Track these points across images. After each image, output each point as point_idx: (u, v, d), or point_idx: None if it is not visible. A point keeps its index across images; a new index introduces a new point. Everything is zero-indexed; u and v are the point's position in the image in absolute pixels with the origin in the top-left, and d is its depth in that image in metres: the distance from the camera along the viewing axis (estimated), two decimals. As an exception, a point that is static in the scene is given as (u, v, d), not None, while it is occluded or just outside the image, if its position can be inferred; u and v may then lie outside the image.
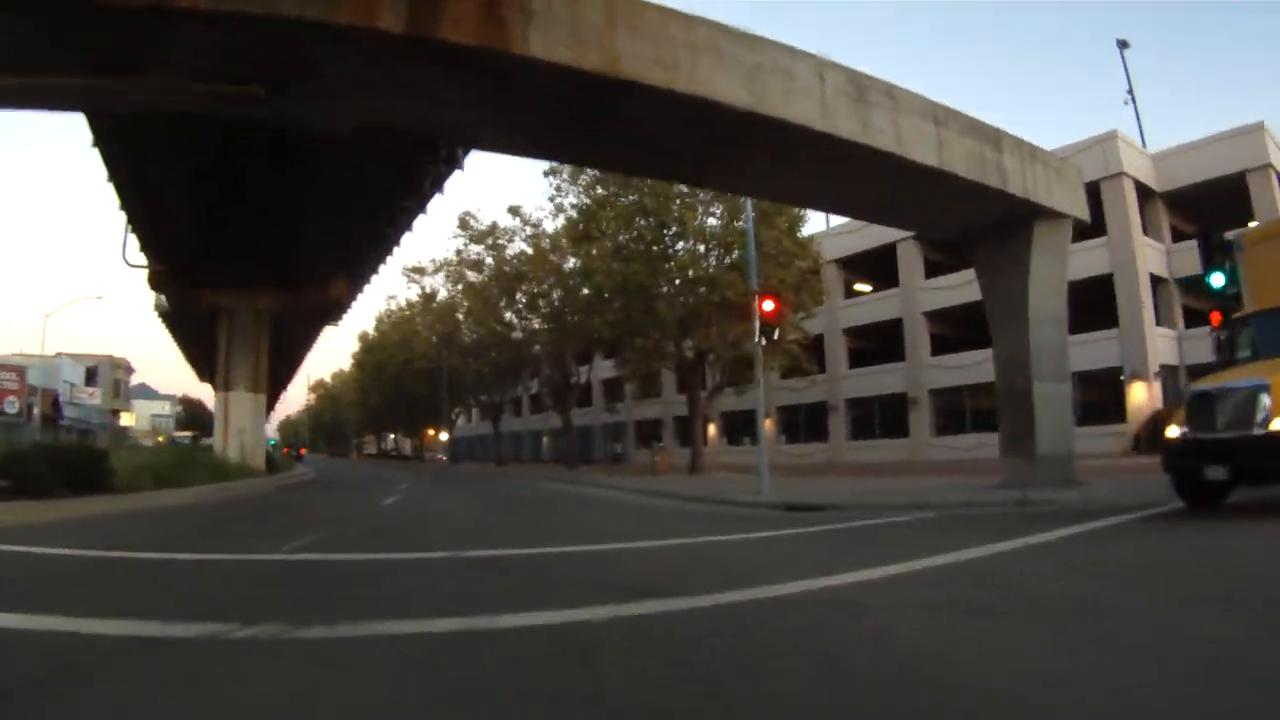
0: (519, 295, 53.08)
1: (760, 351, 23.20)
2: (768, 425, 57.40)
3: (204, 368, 59.83)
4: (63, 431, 71.70)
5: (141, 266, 35.09)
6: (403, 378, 76.00)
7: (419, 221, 27.89)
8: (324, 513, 19.66)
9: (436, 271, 60.98)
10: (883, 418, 51.54)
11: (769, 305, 21.78)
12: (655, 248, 36.45)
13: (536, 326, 53.95)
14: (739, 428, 60.06)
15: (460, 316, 63.66)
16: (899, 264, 49.74)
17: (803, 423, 56.23)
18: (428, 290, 64.10)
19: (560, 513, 18.87)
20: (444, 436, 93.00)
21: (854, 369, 52.46)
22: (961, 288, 46.11)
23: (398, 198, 25.14)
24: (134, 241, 32.91)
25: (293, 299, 36.90)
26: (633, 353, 40.41)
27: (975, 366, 45.04)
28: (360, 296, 51.08)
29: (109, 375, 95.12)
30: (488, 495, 27.15)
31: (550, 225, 49.34)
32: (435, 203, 28.96)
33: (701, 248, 36.70)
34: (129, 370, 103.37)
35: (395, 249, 34.00)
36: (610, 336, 41.05)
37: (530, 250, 50.49)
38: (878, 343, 51.96)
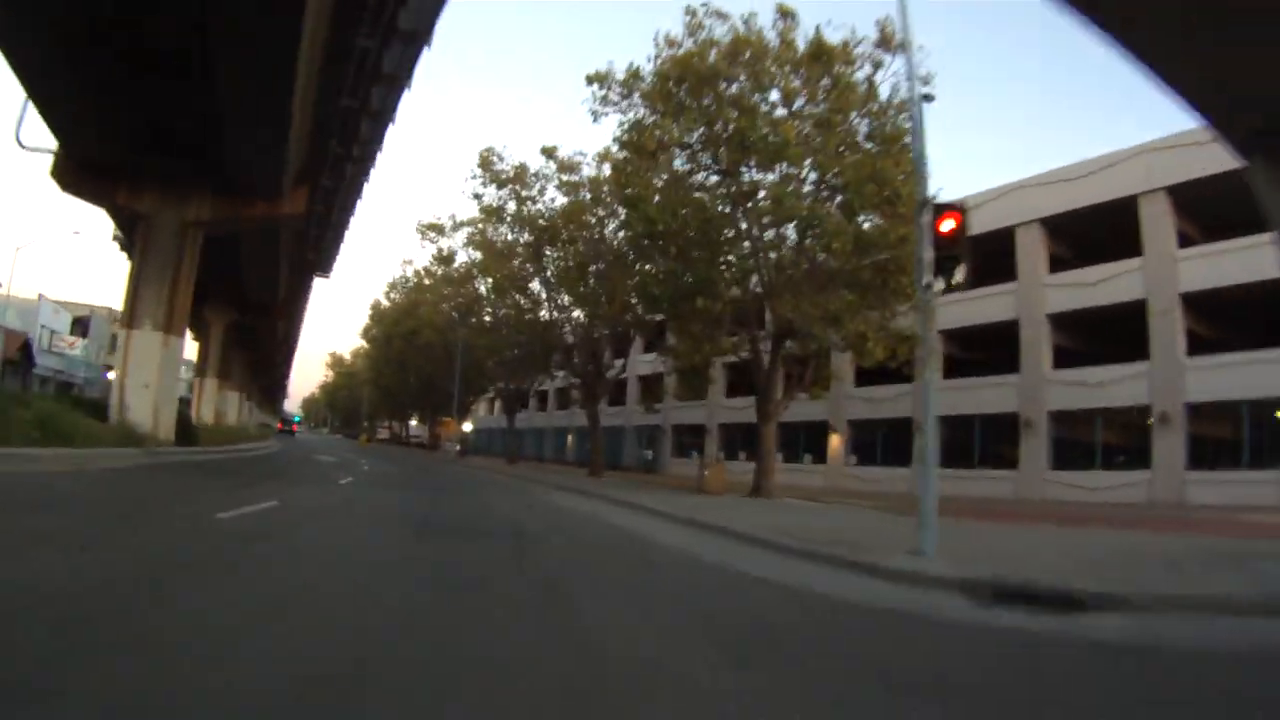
0: (548, 259, 43.76)
1: (931, 301, 13.23)
2: (834, 443, 48.04)
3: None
4: (37, 382, 63.86)
5: (41, 150, 26.22)
6: (408, 353, 66.93)
7: (406, 115, 22.77)
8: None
9: (456, 230, 51.50)
10: (984, 443, 41.64)
11: (949, 223, 12.23)
12: (729, 182, 27.12)
13: (567, 302, 44.70)
14: (798, 441, 50.27)
15: (481, 289, 54.47)
16: (1017, 252, 39.87)
17: (881, 442, 46.37)
18: (444, 251, 54.50)
19: (539, 589, 8.48)
20: (467, 426, 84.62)
21: (950, 379, 42.42)
22: (1097, 287, 36.87)
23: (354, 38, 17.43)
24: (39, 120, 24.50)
25: (233, 210, 28.39)
26: (689, 322, 30.45)
27: (1115, 386, 35.75)
28: (347, 235, 42.33)
29: (104, 328, 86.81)
30: (451, 514, 17.58)
31: (590, 170, 40.10)
32: (429, 108, 19.62)
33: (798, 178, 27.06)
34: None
35: (376, 154, 25.24)
36: (662, 295, 30.36)
37: (565, 199, 41.06)
38: (982, 350, 42.06)
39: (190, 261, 27.80)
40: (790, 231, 27.10)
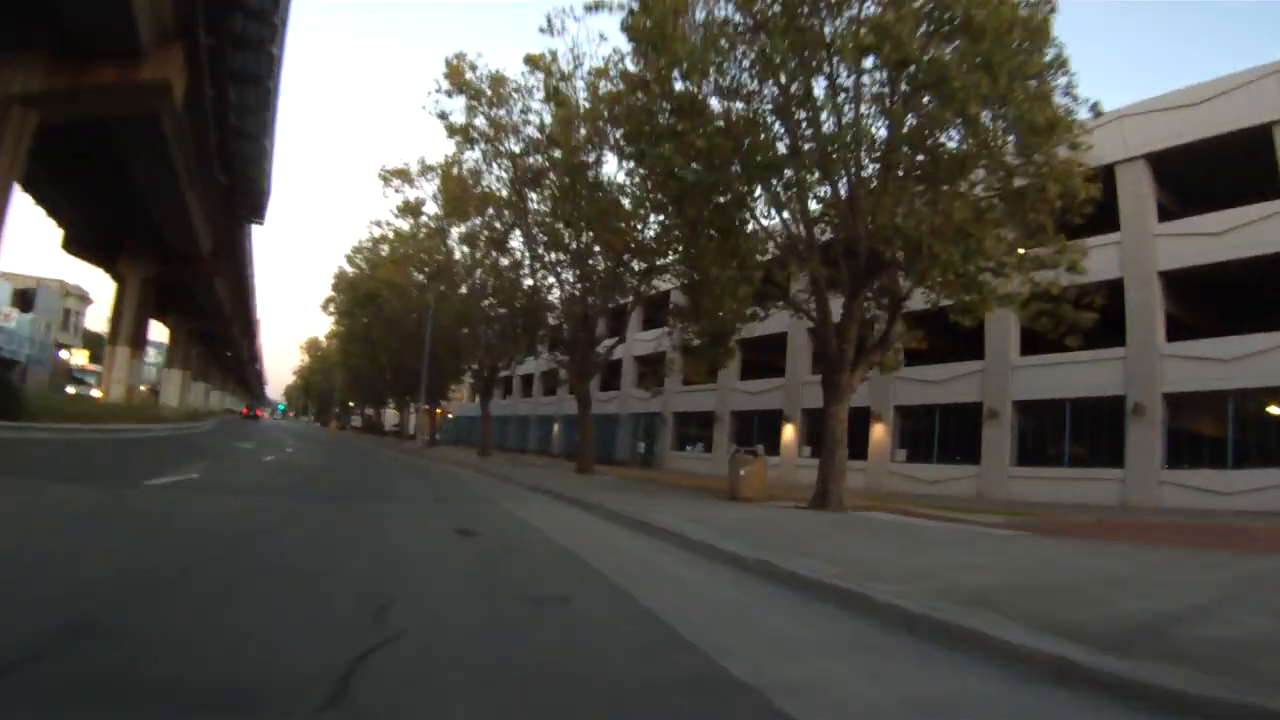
0: (532, 203, 35.44)
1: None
2: (878, 433, 39.60)
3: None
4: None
5: None
6: (375, 328, 58.50)
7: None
8: None
9: (425, 174, 42.70)
10: (1075, 434, 33.15)
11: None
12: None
13: (553, 260, 36.32)
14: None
15: (455, 252, 46.07)
16: (1119, 195, 31.45)
17: (938, 432, 37.87)
18: (411, 201, 45.39)
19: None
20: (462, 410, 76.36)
21: (1029, 356, 34.01)
22: (1223, 237, 28.74)
23: None
24: None
25: (74, 77, 21.05)
26: (718, 261, 21.67)
27: (1254, 360, 27.65)
28: (274, 159, 33.96)
29: (54, 303, 78.85)
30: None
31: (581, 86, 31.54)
32: None
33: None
34: (85, 300, 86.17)
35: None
36: (697, 184, 19.51)
37: (550, 114, 32.51)
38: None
39: (12, 151, 19.35)
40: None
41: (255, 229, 48.27)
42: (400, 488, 21.15)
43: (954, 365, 35.71)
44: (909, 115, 17.37)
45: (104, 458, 19.56)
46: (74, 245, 43.44)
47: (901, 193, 17.60)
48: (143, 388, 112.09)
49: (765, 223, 22.00)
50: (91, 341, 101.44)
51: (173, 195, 33.62)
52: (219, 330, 69.76)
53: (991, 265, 18.03)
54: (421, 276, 51.16)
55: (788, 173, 18.95)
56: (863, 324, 21.29)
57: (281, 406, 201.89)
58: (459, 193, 37.20)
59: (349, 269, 60.80)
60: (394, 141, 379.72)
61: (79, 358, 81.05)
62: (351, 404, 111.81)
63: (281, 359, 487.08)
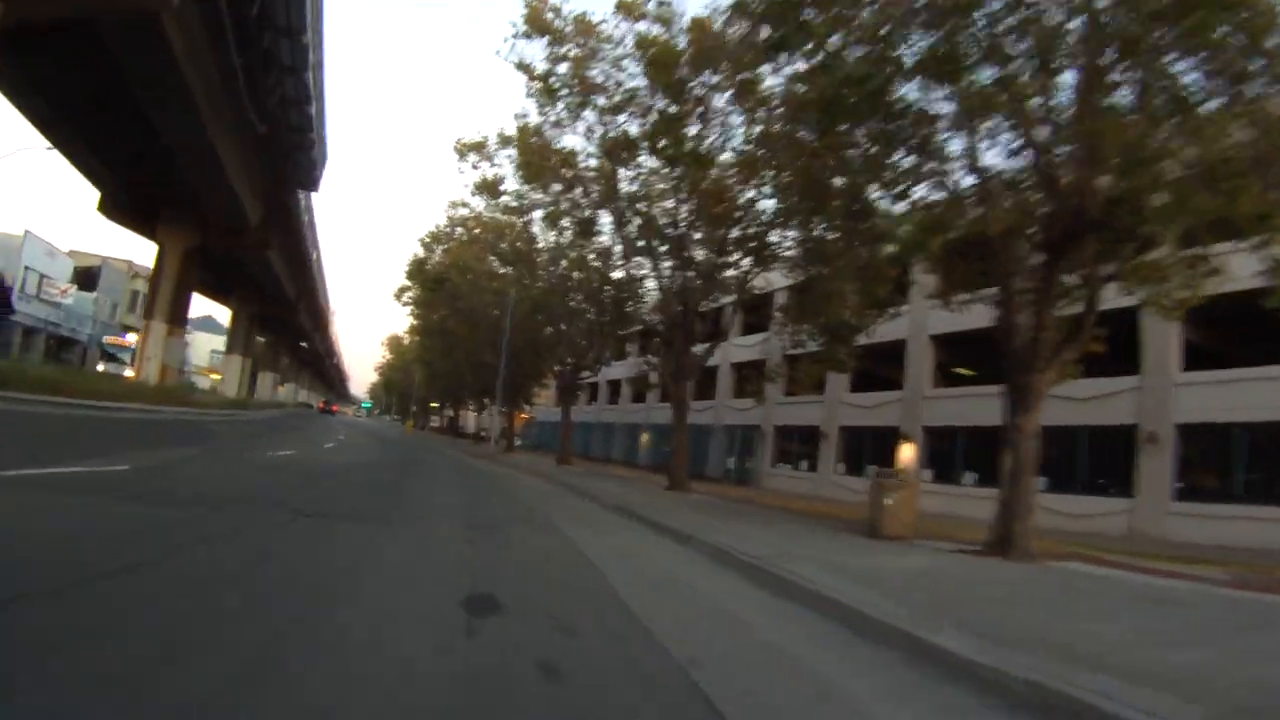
0: (623, 183, 31.11)
1: None
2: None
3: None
4: (20, 333, 53.45)
5: None
6: (452, 321, 54.48)
7: None
8: None
9: (504, 146, 37.96)
10: (1253, 462, 27.60)
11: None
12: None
13: (647, 244, 31.78)
14: (953, 452, 37.03)
15: (536, 233, 41.97)
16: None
17: (1083, 457, 32.43)
18: (490, 178, 40.86)
19: None
20: (545, 415, 72.21)
21: (1195, 371, 28.68)
22: None
23: None
24: None
25: None
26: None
27: None
28: (328, 114, 30.14)
29: (120, 283, 76.78)
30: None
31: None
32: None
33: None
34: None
35: None
36: (858, 81, 13.87)
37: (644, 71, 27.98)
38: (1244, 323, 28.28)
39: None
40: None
41: (317, 202, 44.83)
42: (440, 499, 16.88)
43: (1105, 381, 30.28)
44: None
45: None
46: (111, 209, 40.30)
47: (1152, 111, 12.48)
48: (198, 371, 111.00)
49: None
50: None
51: (199, 142, 29.91)
52: (284, 316, 66.57)
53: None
54: (498, 263, 46.95)
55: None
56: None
57: (367, 404, 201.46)
58: (539, 155, 32.82)
59: (423, 255, 56.46)
60: (473, 113, 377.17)
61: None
62: (436, 405, 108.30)
63: (369, 356, 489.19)
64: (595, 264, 38.34)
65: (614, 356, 59.90)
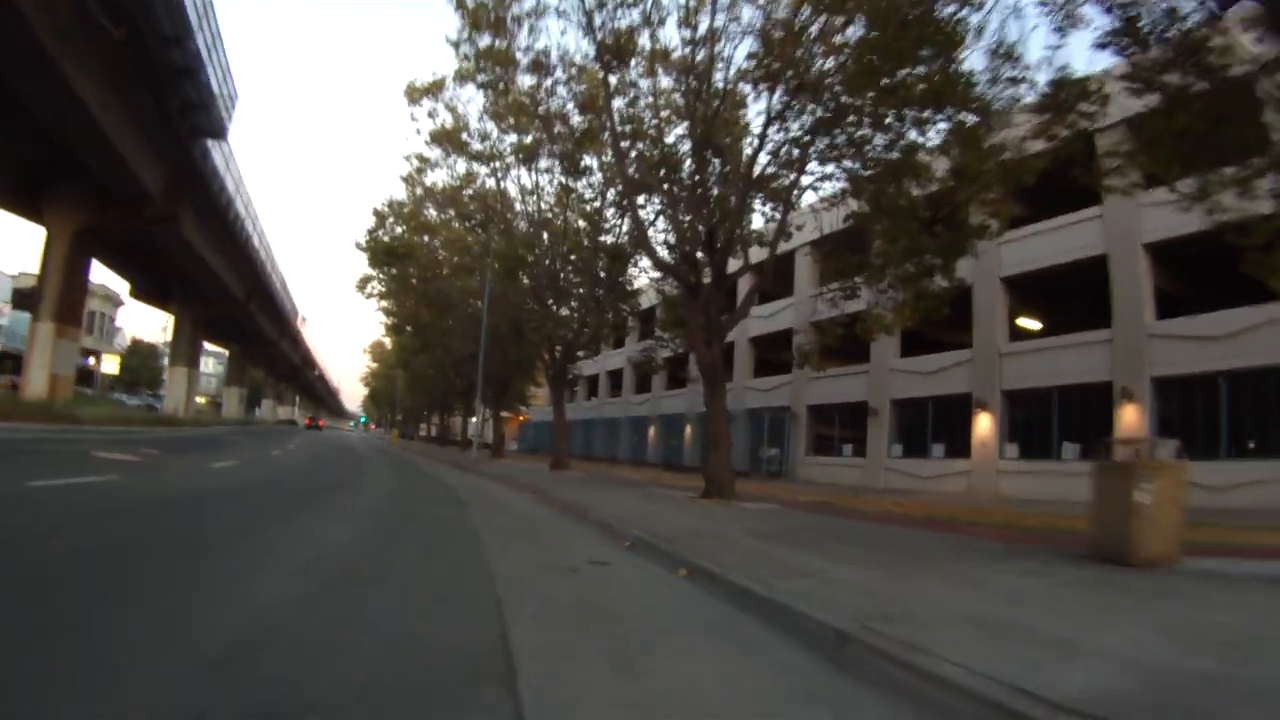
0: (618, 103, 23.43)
1: None
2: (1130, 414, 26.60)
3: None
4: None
5: None
6: (422, 310, 46.58)
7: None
8: None
9: (463, 82, 29.82)
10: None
11: None
12: None
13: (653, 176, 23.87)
14: (1043, 420, 29.59)
15: (510, 187, 34.14)
16: None
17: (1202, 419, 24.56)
18: (449, 126, 33.00)
19: None
20: (541, 416, 64.12)
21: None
22: None
23: None
24: None
25: None
26: None
27: None
28: None
29: None
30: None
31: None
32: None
33: None
34: (115, 303, 76.38)
35: None
36: None
37: None
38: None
39: None
40: None
41: (257, 182, 37.26)
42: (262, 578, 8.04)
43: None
44: None
45: None
46: None
47: None
48: (200, 399, 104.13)
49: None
50: (141, 350, 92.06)
51: (38, 65, 22.21)
52: (236, 319, 58.59)
53: None
54: (463, 225, 38.89)
55: None
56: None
57: (363, 419, 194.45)
58: (505, 53, 25.11)
59: (375, 224, 45.67)
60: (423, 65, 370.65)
61: (109, 364, 70.99)
62: (428, 413, 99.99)
63: (359, 369, 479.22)
64: (583, 224, 31.57)
65: (612, 338, 51.98)
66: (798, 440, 41.62)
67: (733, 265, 21.52)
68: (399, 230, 42.04)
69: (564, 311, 36.02)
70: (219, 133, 32.18)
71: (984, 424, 31.08)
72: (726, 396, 20.63)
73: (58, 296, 31.57)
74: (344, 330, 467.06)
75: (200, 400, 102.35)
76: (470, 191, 36.22)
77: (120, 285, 56.47)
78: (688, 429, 50.75)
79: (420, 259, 42.34)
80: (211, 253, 41.68)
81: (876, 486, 34.00)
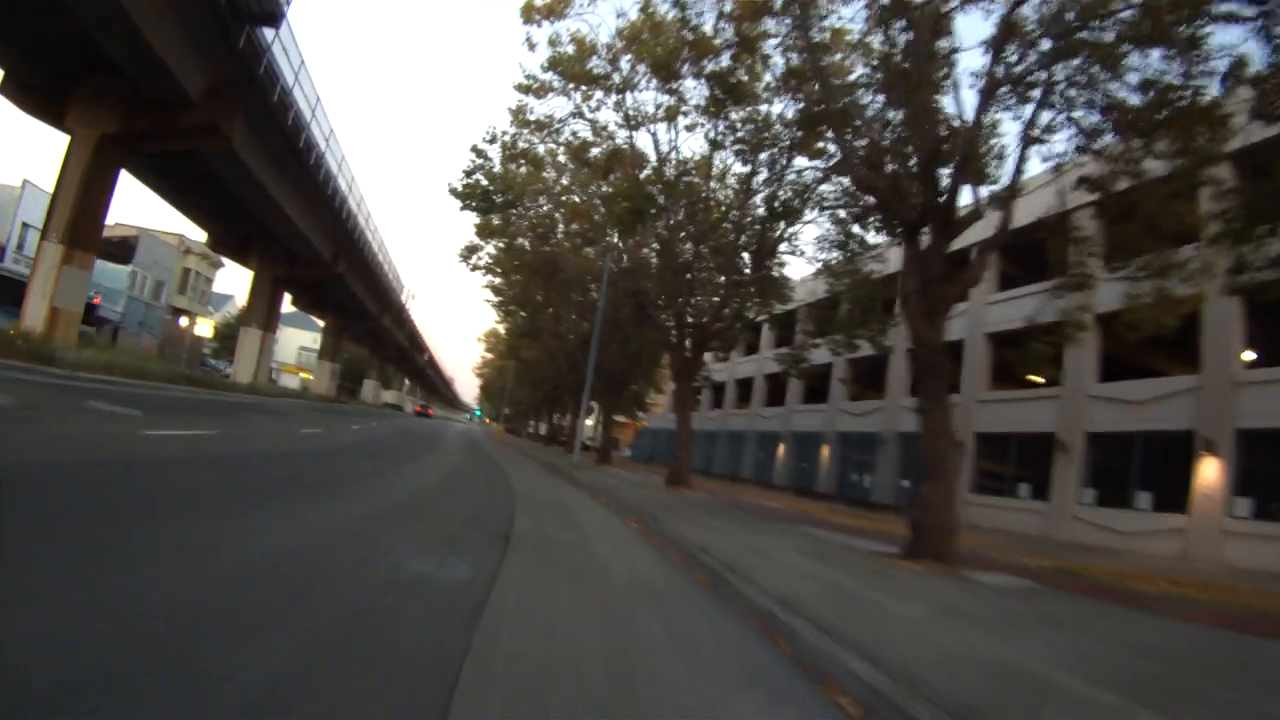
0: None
1: None
2: None
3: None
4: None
5: None
6: (526, 276, 40.81)
7: None
8: None
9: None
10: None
11: None
12: None
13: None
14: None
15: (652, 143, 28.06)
16: None
17: None
18: (570, 51, 26.75)
19: None
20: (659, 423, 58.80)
21: None
22: None
23: None
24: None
25: None
26: None
27: None
28: None
29: (167, 258, 66.33)
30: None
31: None
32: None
33: None
34: (214, 264, 73.07)
35: None
36: None
37: None
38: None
39: None
40: None
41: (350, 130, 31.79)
42: None
43: None
44: None
45: None
46: (14, 88, 27.47)
47: None
48: (284, 369, 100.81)
49: None
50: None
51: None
52: (324, 280, 53.22)
53: None
54: (579, 174, 32.41)
55: None
56: None
57: (478, 412, 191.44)
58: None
59: (480, 177, 37.00)
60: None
61: (203, 328, 67.24)
62: (538, 408, 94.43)
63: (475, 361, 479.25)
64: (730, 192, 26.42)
65: (743, 338, 45.60)
66: (961, 473, 34.62)
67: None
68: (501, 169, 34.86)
69: (696, 298, 29.95)
70: (274, 20, 26.61)
71: (1209, 471, 23.90)
72: (946, 406, 14.06)
73: (71, 213, 26.19)
74: (460, 320, 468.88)
75: (304, 375, 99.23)
76: (592, 135, 29.95)
77: (201, 236, 52.13)
78: (824, 450, 44.29)
79: (530, 213, 36.08)
80: (278, 185, 36.11)
81: (1059, 538, 27.33)
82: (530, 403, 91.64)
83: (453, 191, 32.27)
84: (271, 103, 29.88)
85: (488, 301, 51.53)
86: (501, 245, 39.80)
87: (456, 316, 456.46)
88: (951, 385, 34.66)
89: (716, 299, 29.15)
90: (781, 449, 49.88)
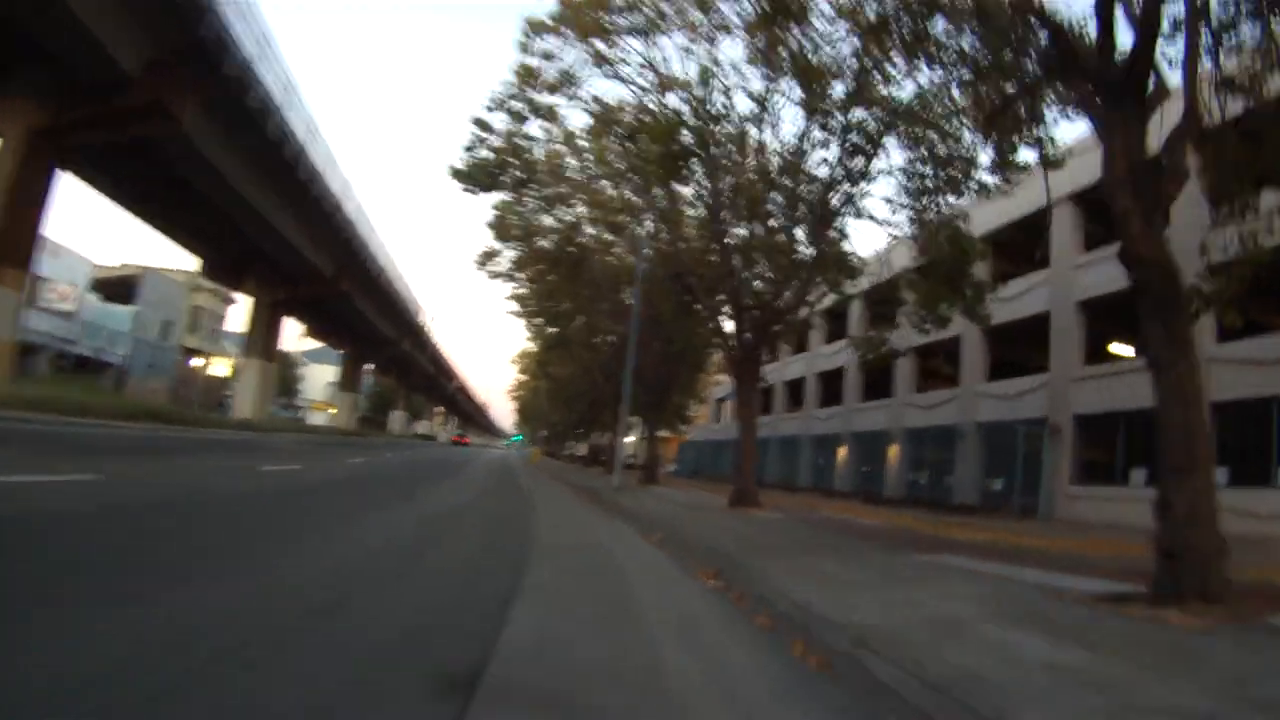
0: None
1: None
2: None
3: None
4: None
5: None
6: (543, 267, 36.36)
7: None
8: None
9: None
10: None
11: None
12: None
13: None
14: None
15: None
16: None
17: None
18: None
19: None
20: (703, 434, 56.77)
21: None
22: None
23: None
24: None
25: None
26: None
27: None
28: None
29: (175, 296, 63.09)
30: None
31: None
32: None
33: None
34: (225, 299, 70.21)
35: None
36: None
37: None
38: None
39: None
40: None
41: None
42: None
43: None
44: None
45: None
46: None
47: None
48: (312, 406, 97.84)
49: None
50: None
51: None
52: (327, 300, 49.60)
53: None
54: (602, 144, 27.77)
55: None
56: None
57: (517, 437, 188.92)
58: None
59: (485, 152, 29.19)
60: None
61: (219, 367, 63.99)
62: (574, 428, 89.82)
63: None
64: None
65: (794, 336, 41.12)
66: (1058, 465, 30.01)
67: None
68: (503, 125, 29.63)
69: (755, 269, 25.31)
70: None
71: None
72: (1191, 357, 9.37)
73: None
74: (492, 346, 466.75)
75: (332, 411, 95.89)
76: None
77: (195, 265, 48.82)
78: (891, 450, 39.77)
79: (547, 192, 31.20)
80: (258, 191, 32.06)
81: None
82: (566, 423, 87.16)
83: (455, 173, 27.50)
84: (223, 73, 25.64)
85: (512, 313, 47.05)
86: (520, 235, 34.78)
87: (488, 342, 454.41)
88: (1039, 365, 30.45)
89: (773, 278, 24.53)
90: (842, 452, 45.34)
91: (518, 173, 28.16)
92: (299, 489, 15.74)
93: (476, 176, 27.24)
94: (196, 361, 62.50)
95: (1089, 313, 29.80)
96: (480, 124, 26.64)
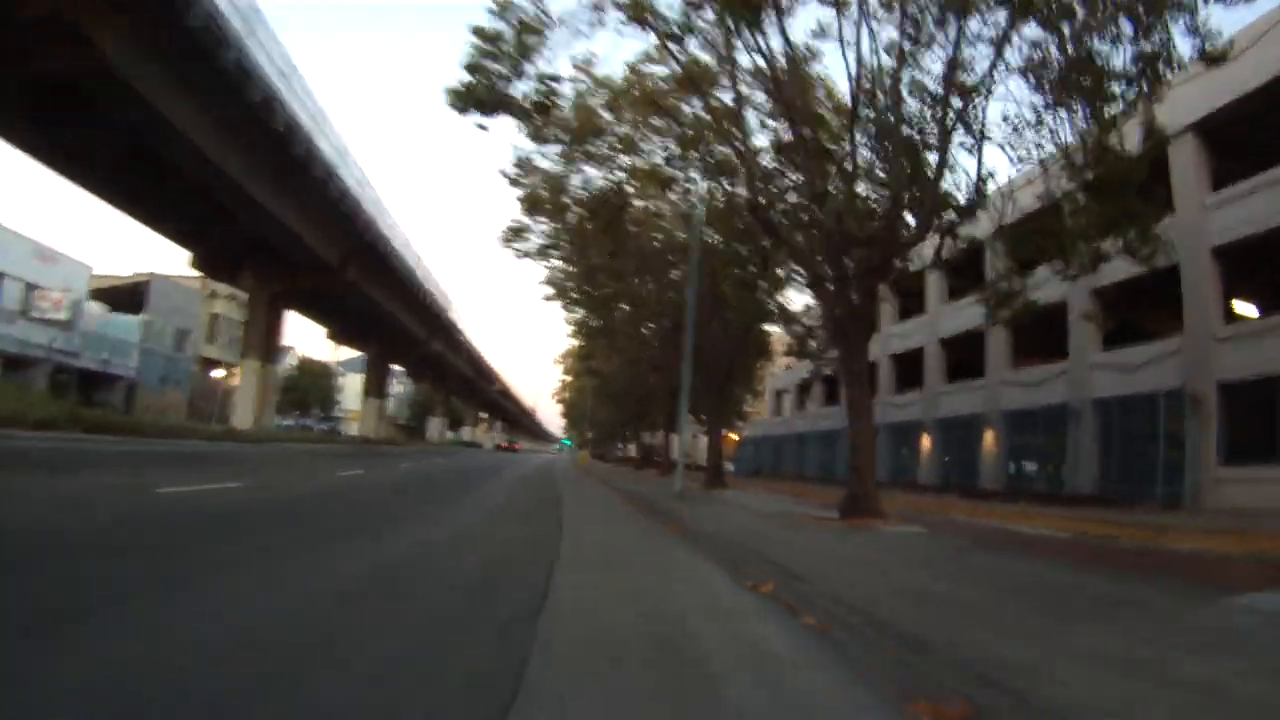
0: None
1: None
2: None
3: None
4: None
5: None
6: (590, 241, 32.07)
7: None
8: None
9: None
10: None
11: None
12: None
13: None
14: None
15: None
16: None
17: None
18: None
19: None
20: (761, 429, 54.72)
21: None
22: None
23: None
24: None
25: None
26: None
27: None
28: None
29: (188, 304, 60.81)
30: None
31: None
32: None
33: None
34: (243, 305, 67.12)
35: None
36: None
37: None
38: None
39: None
40: None
41: None
42: None
43: None
44: None
45: None
46: None
47: None
48: (349, 416, 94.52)
49: None
50: (313, 370, 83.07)
51: None
52: (331, 290, 45.49)
53: None
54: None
55: None
56: None
57: (567, 442, 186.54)
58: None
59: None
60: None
61: (240, 374, 61.29)
62: (624, 428, 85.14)
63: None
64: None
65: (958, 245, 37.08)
66: (1204, 444, 24.97)
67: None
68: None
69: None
70: None
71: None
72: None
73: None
74: (540, 348, 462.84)
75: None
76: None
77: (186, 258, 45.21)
78: (988, 436, 34.84)
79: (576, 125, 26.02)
80: (231, 154, 27.77)
81: None
82: (614, 423, 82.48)
83: (451, 97, 21.53)
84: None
85: (547, 298, 42.18)
86: (549, 197, 29.72)
87: (533, 345, 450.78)
88: (1162, 329, 25.61)
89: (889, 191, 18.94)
90: (926, 441, 40.50)
91: (538, 94, 22.06)
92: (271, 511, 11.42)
93: (479, 94, 21.16)
94: (219, 373, 59.15)
95: (1225, 261, 25.07)
96: (481, 33, 20.67)
